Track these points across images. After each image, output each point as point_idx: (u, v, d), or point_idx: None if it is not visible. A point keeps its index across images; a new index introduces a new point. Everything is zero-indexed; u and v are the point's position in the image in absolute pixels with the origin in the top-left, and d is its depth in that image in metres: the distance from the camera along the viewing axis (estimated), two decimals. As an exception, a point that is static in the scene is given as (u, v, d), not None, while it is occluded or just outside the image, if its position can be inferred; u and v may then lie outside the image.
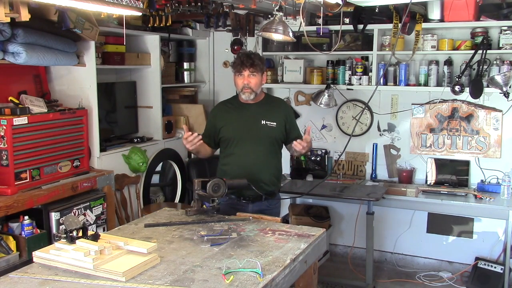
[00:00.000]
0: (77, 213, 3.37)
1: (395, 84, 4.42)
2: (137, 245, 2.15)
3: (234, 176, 2.98)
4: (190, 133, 2.93)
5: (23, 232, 3.04)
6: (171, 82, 5.07)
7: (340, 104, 4.83)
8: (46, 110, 3.38)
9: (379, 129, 4.76)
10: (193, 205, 2.86)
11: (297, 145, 2.97)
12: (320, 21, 4.00)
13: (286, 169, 5.09)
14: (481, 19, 4.03)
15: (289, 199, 4.88)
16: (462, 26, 4.16)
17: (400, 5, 4.00)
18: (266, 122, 3.16)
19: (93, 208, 3.51)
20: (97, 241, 2.15)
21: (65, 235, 2.16)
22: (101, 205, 3.58)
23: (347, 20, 4.31)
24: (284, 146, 3.34)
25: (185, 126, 3.05)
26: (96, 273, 1.98)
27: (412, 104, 4.57)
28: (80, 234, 2.18)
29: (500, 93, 3.96)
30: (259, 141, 3.16)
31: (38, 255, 2.14)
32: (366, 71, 4.52)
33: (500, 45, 4.02)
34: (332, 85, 4.59)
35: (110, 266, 1.99)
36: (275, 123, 3.17)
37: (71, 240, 2.14)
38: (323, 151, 4.94)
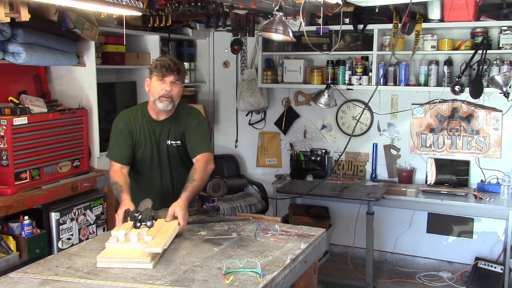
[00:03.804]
0: (77, 212, 3.37)
1: (395, 84, 4.43)
2: (153, 245, 2.14)
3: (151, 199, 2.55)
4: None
5: (23, 232, 3.04)
6: (171, 82, 5.06)
7: (340, 104, 4.83)
8: (46, 110, 3.39)
9: (379, 129, 4.76)
10: (193, 205, 2.85)
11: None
12: (320, 21, 4.00)
13: (286, 169, 5.11)
14: (481, 19, 4.03)
15: (289, 199, 4.89)
16: (462, 26, 4.17)
17: (400, 5, 4.00)
18: (171, 142, 2.81)
19: (93, 208, 3.51)
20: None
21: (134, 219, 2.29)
22: (101, 205, 3.58)
23: (347, 20, 4.31)
24: None
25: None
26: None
27: (412, 104, 4.57)
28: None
29: (500, 93, 3.96)
30: (169, 163, 2.84)
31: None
32: (366, 71, 4.52)
33: (500, 45, 4.02)
34: (332, 85, 4.59)
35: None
36: (179, 142, 2.82)
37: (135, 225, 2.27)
38: (323, 151, 4.95)
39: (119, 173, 2.68)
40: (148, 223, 2.27)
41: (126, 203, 2.47)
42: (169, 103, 2.69)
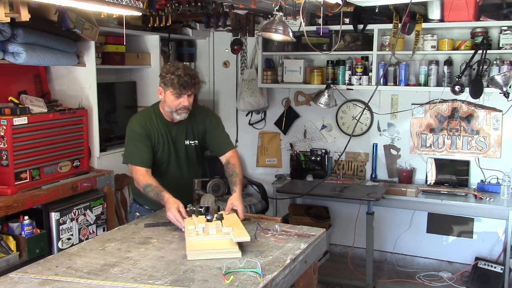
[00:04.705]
0: (77, 212, 3.37)
1: (395, 84, 4.42)
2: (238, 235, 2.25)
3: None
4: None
5: (23, 232, 3.04)
6: (171, 82, 5.06)
7: (340, 104, 4.83)
8: (46, 110, 3.38)
9: (379, 129, 4.76)
10: (192, 205, 2.84)
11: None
12: (320, 21, 4.00)
13: (286, 169, 5.11)
14: (481, 19, 4.03)
15: (289, 199, 4.89)
16: (462, 26, 4.16)
17: (400, 5, 4.00)
18: (189, 142, 2.89)
19: (93, 208, 3.51)
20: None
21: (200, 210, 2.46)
22: (101, 205, 3.58)
23: (347, 20, 4.31)
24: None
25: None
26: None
27: (412, 104, 4.57)
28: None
29: (500, 93, 3.96)
30: (187, 162, 2.92)
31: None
32: (366, 71, 4.52)
33: (500, 45, 4.02)
34: (332, 85, 4.59)
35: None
36: (196, 141, 2.91)
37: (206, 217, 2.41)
38: (323, 151, 4.95)
39: (147, 176, 2.68)
40: (217, 216, 2.41)
41: (174, 201, 2.51)
42: (186, 113, 2.75)
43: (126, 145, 2.81)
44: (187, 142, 2.88)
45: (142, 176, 2.68)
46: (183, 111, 2.72)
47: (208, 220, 2.38)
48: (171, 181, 2.86)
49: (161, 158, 2.84)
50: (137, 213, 2.97)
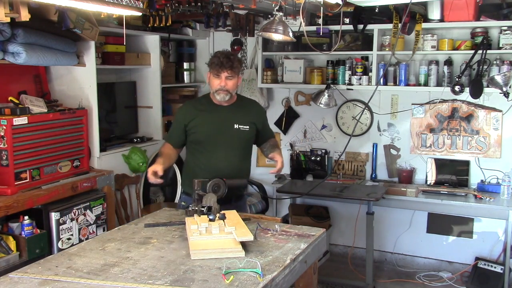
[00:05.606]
0: (77, 212, 3.37)
1: (395, 84, 4.42)
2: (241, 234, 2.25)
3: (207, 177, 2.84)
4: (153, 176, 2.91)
5: (23, 232, 3.05)
6: (171, 82, 5.07)
7: (340, 104, 4.83)
8: (46, 110, 3.38)
9: (379, 129, 4.76)
10: (193, 205, 2.85)
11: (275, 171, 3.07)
12: (320, 21, 4.00)
13: (286, 169, 5.11)
14: (481, 19, 4.03)
15: (289, 199, 4.89)
16: (462, 26, 4.17)
17: (400, 5, 4.00)
18: (239, 126, 3.06)
19: (93, 208, 3.51)
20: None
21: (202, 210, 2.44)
22: (101, 205, 3.58)
23: (347, 20, 4.31)
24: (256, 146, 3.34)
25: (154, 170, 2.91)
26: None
27: (412, 104, 4.57)
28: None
29: (500, 93, 3.96)
30: (232, 146, 3.05)
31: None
32: (366, 71, 4.52)
33: (500, 45, 4.02)
34: (332, 85, 4.59)
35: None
36: (247, 127, 3.09)
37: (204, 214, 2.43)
38: (323, 151, 4.95)
39: (166, 148, 3.14)
40: (219, 215, 2.42)
41: (157, 162, 2.93)
42: (226, 95, 2.99)
43: (171, 124, 3.28)
44: (236, 126, 3.05)
45: (163, 148, 3.17)
46: (222, 91, 2.97)
47: (210, 220, 2.38)
48: (211, 161, 3.02)
49: (204, 137, 3.05)
50: (183, 203, 3.12)
